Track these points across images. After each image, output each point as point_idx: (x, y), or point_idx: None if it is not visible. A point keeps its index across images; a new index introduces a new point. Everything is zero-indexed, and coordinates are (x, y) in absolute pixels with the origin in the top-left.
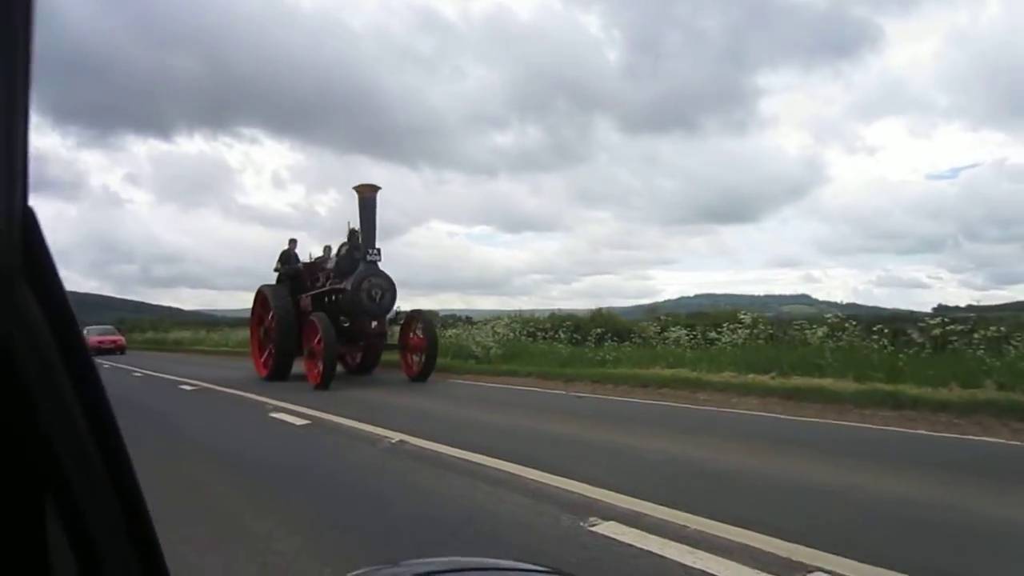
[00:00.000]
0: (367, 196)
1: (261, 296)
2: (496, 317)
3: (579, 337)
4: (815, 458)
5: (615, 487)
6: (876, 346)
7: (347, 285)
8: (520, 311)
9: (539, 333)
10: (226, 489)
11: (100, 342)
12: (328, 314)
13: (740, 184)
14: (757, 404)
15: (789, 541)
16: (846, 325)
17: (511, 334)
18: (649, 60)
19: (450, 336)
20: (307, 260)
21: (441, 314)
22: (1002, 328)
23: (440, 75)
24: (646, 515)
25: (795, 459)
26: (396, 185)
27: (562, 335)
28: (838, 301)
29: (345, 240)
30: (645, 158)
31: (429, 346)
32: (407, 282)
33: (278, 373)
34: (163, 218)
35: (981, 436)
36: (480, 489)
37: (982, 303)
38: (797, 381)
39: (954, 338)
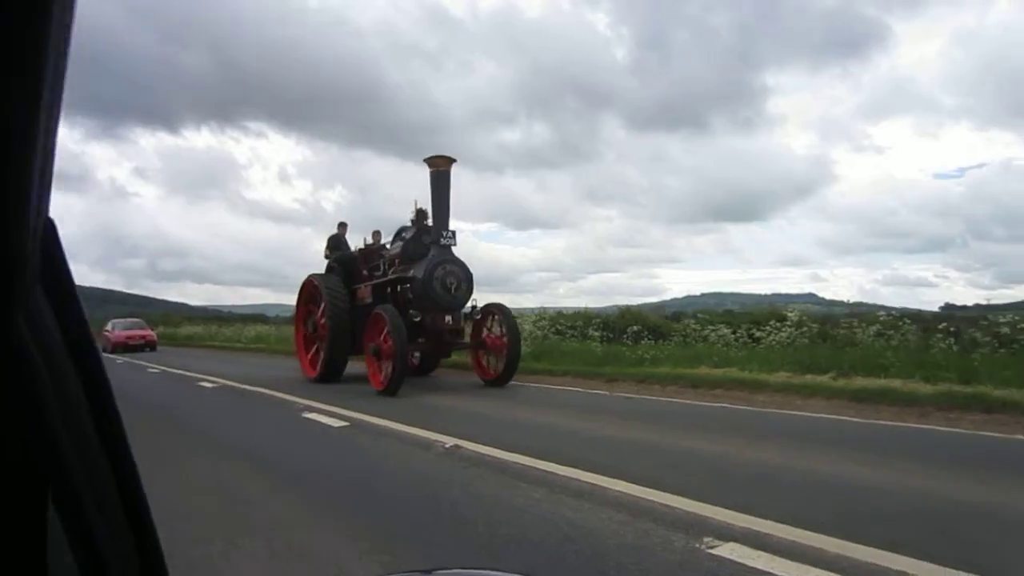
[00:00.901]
0: (441, 170)
1: (310, 286)
2: (518, 315)
3: (610, 335)
4: (935, 468)
5: (721, 502)
6: (943, 345)
7: (416, 273)
8: (542, 308)
9: (569, 331)
10: (278, 501)
11: (128, 337)
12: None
13: (747, 183)
14: (825, 406)
15: (957, 569)
16: (901, 323)
17: (539, 332)
18: (657, 57)
19: None
20: (360, 246)
21: None
22: None
23: (447, 71)
24: (770, 535)
25: (912, 470)
26: (402, 181)
27: (593, 333)
28: (845, 300)
29: (411, 220)
30: (652, 156)
31: (512, 346)
32: None
33: (329, 373)
34: (169, 212)
35: None
36: (564, 503)
37: (991, 302)
38: (862, 382)
39: (1022, 338)
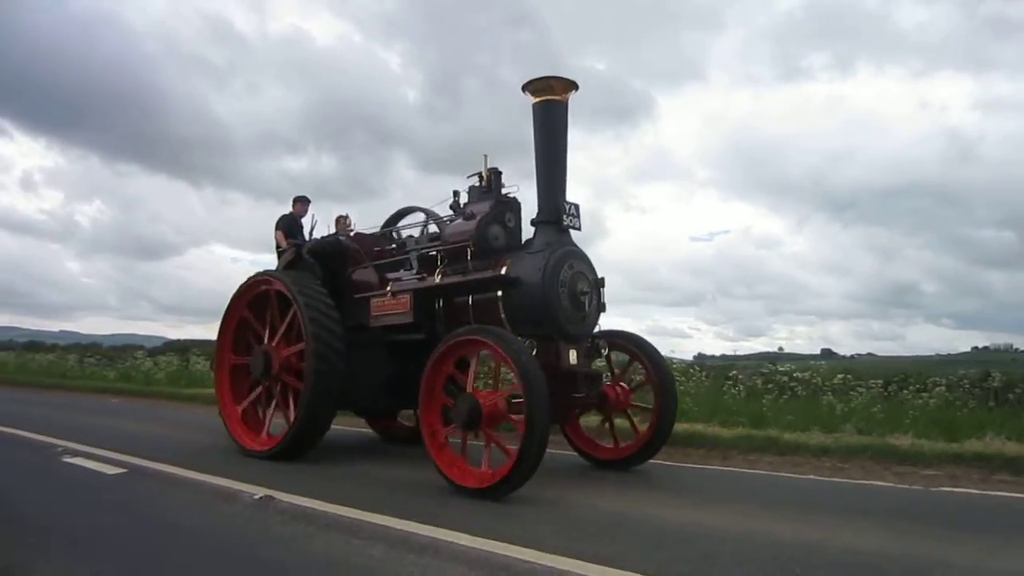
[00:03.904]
0: (552, 101)
1: (260, 290)
2: None
3: None
4: (756, 508)
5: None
6: (734, 391)
7: (520, 272)
8: None
9: None
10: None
11: None
12: (445, 329)
13: (527, 231)
14: None
15: None
16: (691, 371)
17: None
18: (448, 102)
19: None
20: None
21: None
22: None
23: (232, 89)
24: None
25: (741, 510)
26: (173, 201)
27: None
28: None
29: (476, 183)
30: (439, 197)
31: (665, 399)
32: (180, 308)
33: (301, 441)
34: None
35: None
36: (406, 561)
37: (736, 352)
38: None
39: (796, 385)
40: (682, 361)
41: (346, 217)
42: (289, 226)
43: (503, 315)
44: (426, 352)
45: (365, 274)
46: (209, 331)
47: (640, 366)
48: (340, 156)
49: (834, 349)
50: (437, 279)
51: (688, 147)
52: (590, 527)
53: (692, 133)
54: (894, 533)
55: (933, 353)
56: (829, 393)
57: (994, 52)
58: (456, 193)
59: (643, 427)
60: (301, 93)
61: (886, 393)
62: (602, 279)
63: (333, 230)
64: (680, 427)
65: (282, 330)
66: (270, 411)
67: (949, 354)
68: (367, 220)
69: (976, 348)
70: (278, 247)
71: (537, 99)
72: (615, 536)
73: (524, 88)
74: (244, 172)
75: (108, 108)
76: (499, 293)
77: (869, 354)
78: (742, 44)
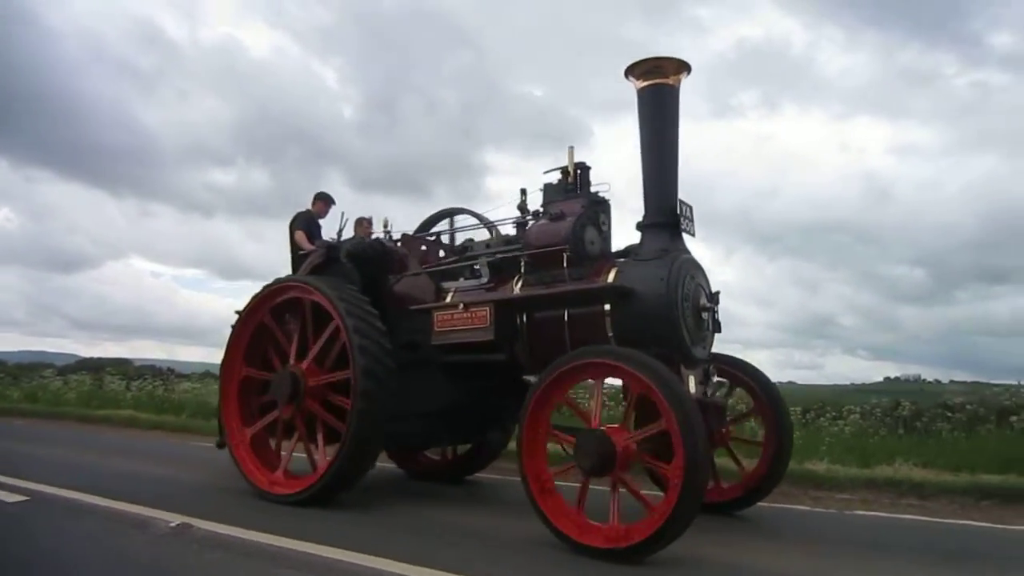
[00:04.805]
0: (661, 85)
1: (284, 296)
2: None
3: None
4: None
5: None
6: None
7: (634, 283)
8: None
9: None
10: None
11: None
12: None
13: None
14: None
15: None
16: None
17: None
18: (385, 121)
19: (186, 391)
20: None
21: (136, 364)
22: None
23: (160, 97)
24: None
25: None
26: (90, 211)
27: None
28: None
29: (557, 180)
30: (374, 217)
31: (781, 436)
32: (95, 324)
33: (340, 482)
34: None
35: None
36: None
37: None
38: None
39: None
40: (611, 387)
41: (369, 220)
42: (308, 225)
43: (611, 333)
44: (488, 376)
45: (414, 283)
46: (127, 349)
47: (745, 393)
48: (271, 170)
49: None
50: (517, 289)
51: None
52: None
53: (628, 163)
54: (812, 556)
55: (849, 382)
56: (751, 420)
57: (908, 101)
58: (524, 191)
59: (749, 465)
60: (233, 104)
61: (804, 420)
62: (717, 293)
63: (352, 233)
64: None
65: (315, 350)
66: (290, 444)
67: (863, 383)
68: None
69: (888, 378)
70: (297, 249)
71: (643, 83)
72: None
73: (627, 73)
74: (169, 183)
75: (19, 110)
76: (607, 307)
77: (790, 382)
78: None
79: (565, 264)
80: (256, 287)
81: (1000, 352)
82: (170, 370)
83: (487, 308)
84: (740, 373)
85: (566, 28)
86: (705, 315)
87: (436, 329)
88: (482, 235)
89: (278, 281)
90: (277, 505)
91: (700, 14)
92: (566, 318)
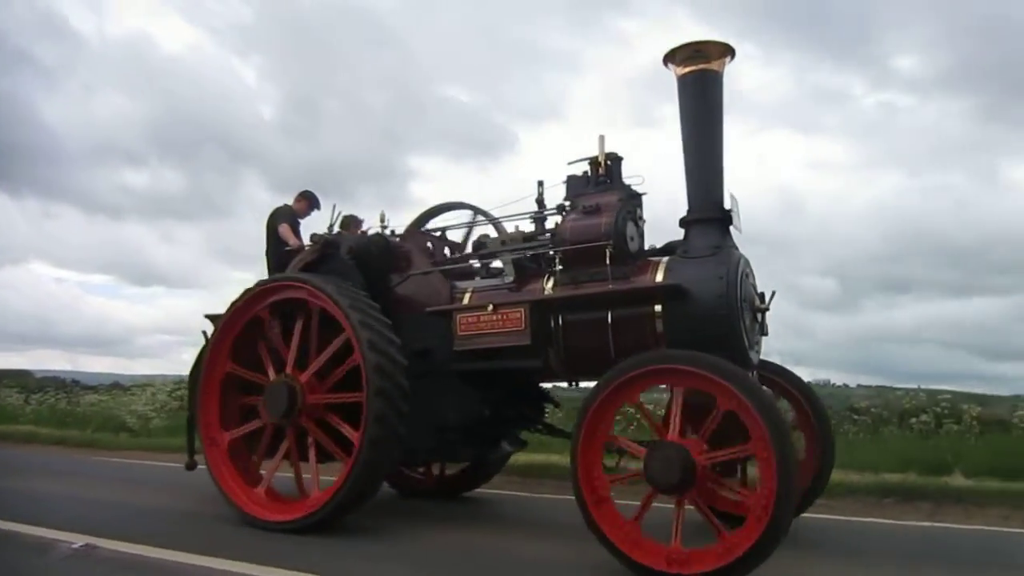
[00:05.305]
0: (709, 72)
1: (284, 299)
2: (148, 382)
3: None
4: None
5: None
6: None
7: (684, 282)
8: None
9: None
10: None
11: None
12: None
13: None
14: None
15: None
16: None
17: (177, 403)
18: (307, 122)
19: (92, 404)
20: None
21: (38, 375)
22: None
23: (64, 92)
24: None
25: None
26: None
27: None
28: None
29: (584, 171)
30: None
31: (825, 448)
32: None
33: (348, 506)
34: None
35: None
36: None
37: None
38: None
39: None
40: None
41: (360, 220)
42: (292, 221)
43: (663, 336)
44: (504, 383)
45: (425, 283)
46: (27, 360)
47: (787, 403)
48: (187, 171)
49: None
50: (549, 288)
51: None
52: None
53: (554, 170)
54: None
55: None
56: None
57: (819, 118)
58: (541, 184)
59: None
60: (145, 101)
61: None
62: (773, 293)
63: (334, 230)
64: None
65: (319, 363)
66: (274, 461)
67: None
68: (214, 240)
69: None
70: (279, 244)
71: (685, 70)
72: None
73: (666, 60)
74: (74, 183)
75: None
76: (657, 308)
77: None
78: (600, 89)
79: (608, 261)
80: (171, 293)
81: (902, 357)
82: (75, 382)
83: (521, 310)
84: (786, 383)
85: (492, 34)
86: (759, 317)
87: (459, 333)
88: (480, 232)
89: (276, 278)
90: (186, 521)
91: (625, 27)
92: (609, 320)
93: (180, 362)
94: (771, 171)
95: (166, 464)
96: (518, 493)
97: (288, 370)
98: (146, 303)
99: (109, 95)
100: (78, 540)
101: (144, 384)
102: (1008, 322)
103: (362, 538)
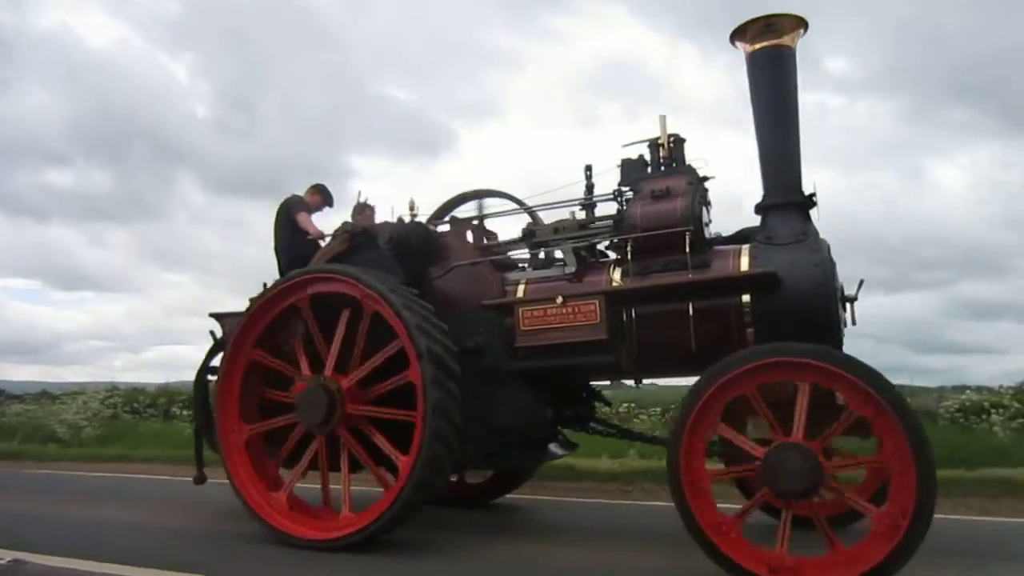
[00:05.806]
0: (782, 48)
1: (323, 293)
2: (80, 389)
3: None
4: None
5: None
6: None
7: (774, 270)
8: (95, 382)
9: (149, 410)
10: None
11: None
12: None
13: None
14: None
15: None
16: None
17: (110, 410)
18: (242, 121)
19: (17, 414)
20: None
21: None
22: None
23: None
24: None
25: None
26: None
27: (178, 411)
28: None
29: (644, 153)
30: (231, 221)
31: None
32: None
33: (400, 520)
34: None
35: None
36: None
37: None
38: None
39: None
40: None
41: (373, 207)
42: (309, 211)
43: (751, 328)
44: (566, 383)
45: (472, 274)
46: None
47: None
48: (115, 171)
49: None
50: (617, 278)
51: (491, 181)
52: None
53: (494, 169)
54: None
55: None
56: (615, 421)
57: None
58: (589, 168)
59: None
60: (68, 98)
61: (664, 419)
62: (861, 281)
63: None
64: None
65: (365, 371)
66: (296, 470)
67: None
68: (146, 243)
69: None
70: (295, 235)
71: (755, 46)
72: None
73: (734, 38)
74: None
75: None
76: (744, 298)
77: (652, 383)
78: (541, 88)
79: (688, 248)
80: (101, 297)
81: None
82: (1, 391)
83: (595, 302)
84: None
85: (429, 31)
86: (847, 307)
87: (522, 328)
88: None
89: (312, 269)
90: (117, 533)
91: (559, 25)
92: (691, 312)
93: (112, 368)
94: (712, 170)
95: (98, 474)
96: (539, 497)
97: (327, 373)
98: (74, 308)
99: (29, 90)
100: (5, 555)
101: (75, 392)
102: (935, 316)
103: (399, 554)
